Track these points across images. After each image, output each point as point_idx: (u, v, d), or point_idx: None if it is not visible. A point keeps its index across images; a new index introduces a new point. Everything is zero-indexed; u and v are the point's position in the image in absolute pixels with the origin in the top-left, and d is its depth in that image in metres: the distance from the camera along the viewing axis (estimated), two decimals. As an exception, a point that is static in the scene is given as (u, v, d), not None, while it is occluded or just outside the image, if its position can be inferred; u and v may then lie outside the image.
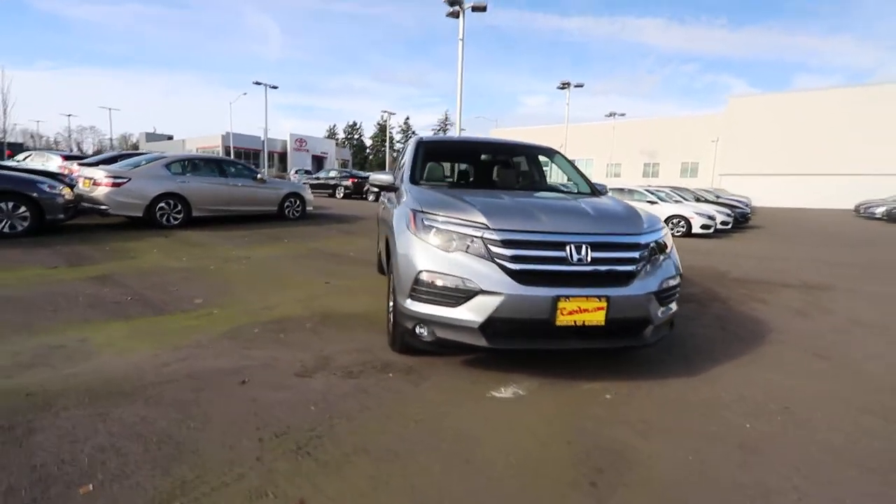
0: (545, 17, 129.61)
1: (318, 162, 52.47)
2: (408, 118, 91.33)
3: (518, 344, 2.60)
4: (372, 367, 2.94)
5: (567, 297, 2.48)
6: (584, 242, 2.60)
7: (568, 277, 2.56)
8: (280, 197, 10.48)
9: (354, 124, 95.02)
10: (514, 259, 2.54)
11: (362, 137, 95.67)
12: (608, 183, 29.66)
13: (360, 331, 3.63)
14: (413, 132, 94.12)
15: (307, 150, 51.74)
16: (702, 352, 3.49)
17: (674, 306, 2.95)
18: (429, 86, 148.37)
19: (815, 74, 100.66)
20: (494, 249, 2.57)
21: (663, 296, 2.77)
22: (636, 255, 2.72)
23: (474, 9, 15.36)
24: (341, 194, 21.86)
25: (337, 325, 3.77)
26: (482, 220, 2.65)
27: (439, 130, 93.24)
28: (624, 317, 2.61)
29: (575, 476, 1.94)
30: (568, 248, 2.57)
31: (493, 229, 2.60)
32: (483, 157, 4.72)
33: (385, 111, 44.94)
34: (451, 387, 2.72)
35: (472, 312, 2.54)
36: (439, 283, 2.59)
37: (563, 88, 26.10)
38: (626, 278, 2.65)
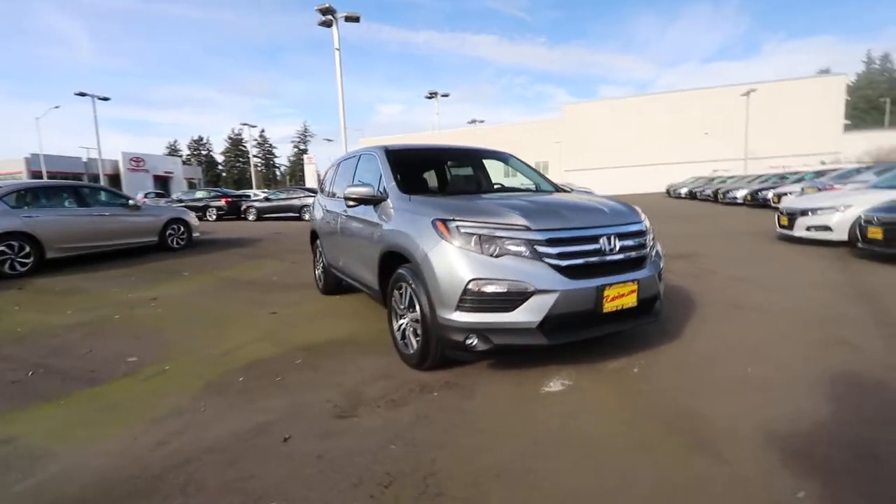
0: (394, 30, 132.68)
1: (163, 182, 45.71)
2: (263, 131, 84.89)
3: (571, 336, 2.63)
4: (410, 391, 2.71)
5: (610, 284, 2.61)
6: (612, 234, 2.76)
7: (605, 267, 2.70)
8: (161, 224, 8.91)
9: (200, 139, 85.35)
10: (561, 256, 2.59)
11: (211, 153, 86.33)
12: None
13: (360, 357, 3.30)
14: (271, 145, 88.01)
15: (146, 170, 44.64)
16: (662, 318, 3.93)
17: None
18: (280, 96, 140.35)
19: (612, 85, 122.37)
20: (540, 249, 2.58)
21: (661, 273, 3.08)
22: (644, 240, 2.98)
23: (347, 18, 14.98)
24: (213, 216, 19.51)
25: (328, 355, 3.38)
26: (523, 222, 2.63)
27: (299, 143, 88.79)
28: (646, 296, 2.84)
29: (685, 440, 2.06)
30: (601, 240, 2.71)
31: (536, 230, 2.61)
32: (449, 163, 4.65)
33: (245, 123, 41.20)
34: (501, 392, 2.66)
35: (529, 313, 2.51)
36: (490, 289, 2.50)
37: (430, 98, 27.08)
38: (643, 261, 2.90)
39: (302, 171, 50.61)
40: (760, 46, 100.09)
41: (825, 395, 2.46)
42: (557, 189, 4.24)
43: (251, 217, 18.78)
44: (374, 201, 3.52)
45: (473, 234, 2.62)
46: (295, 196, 18.64)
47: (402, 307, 3.11)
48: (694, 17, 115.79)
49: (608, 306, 2.62)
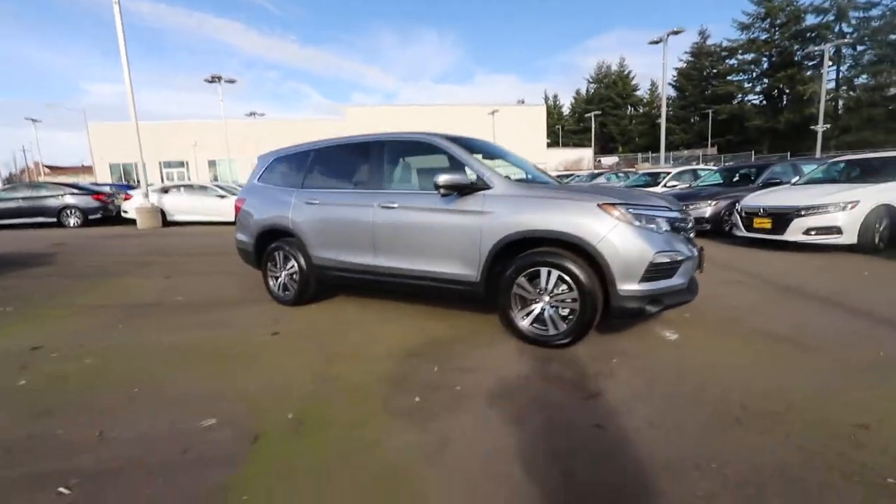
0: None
1: None
2: None
3: (694, 293, 3.25)
4: (603, 358, 2.83)
5: (701, 249, 3.36)
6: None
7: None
8: None
9: None
10: (685, 230, 3.18)
11: None
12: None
13: (479, 359, 3.13)
14: None
15: None
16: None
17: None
18: None
19: (363, 91, 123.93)
20: (678, 225, 3.11)
21: None
22: None
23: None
24: (78, 221, 12.98)
25: (459, 354, 3.06)
26: (665, 204, 3.09)
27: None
28: None
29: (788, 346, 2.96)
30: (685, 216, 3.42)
31: (674, 210, 3.11)
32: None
33: None
34: (650, 344, 3.07)
35: (681, 276, 3.02)
36: (665, 260, 2.89)
37: (212, 82, 22.73)
38: None
39: None
40: (473, 76, 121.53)
41: None
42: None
43: (133, 216, 13.16)
44: (472, 190, 3.32)
45: (643, 214, 2.94)
46: (51, 194, 13.11)
47: (535, 292, 3.12)
48: (426, 43, 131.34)
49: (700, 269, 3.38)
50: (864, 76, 41.43)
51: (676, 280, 3.01)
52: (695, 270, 3.23)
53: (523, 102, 60.02)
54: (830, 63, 30.11)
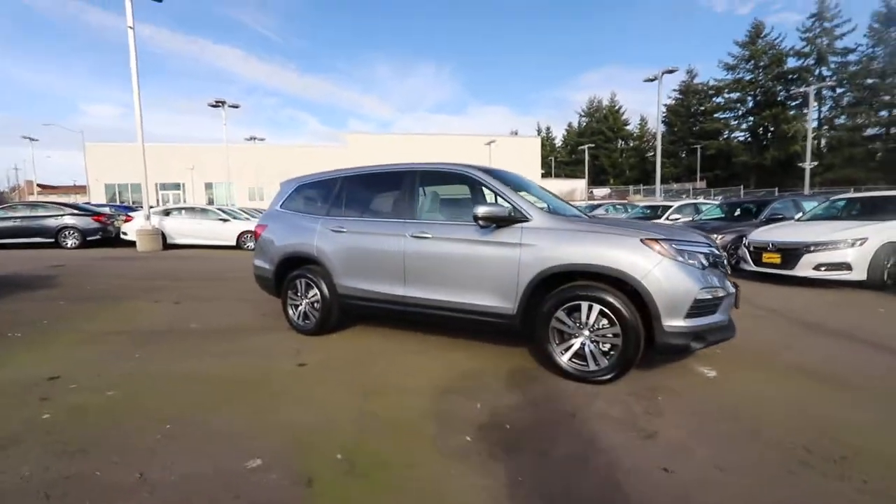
0: (104, 13, 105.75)
1: None
2: None
3: (734, 330, 3.22)
4: (651, 393, 2.76)
5: (736, 286, 3.35)
6: None
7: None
8: None
9: None
10: (722, 265, 3.18)
11: None
12: (253, 205, 28.36)
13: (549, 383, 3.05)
14: None
15: None
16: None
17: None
18: None
19: (360, 119, 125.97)
20: (717, 261, 3.11)
21: None
22: None
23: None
24: (76, 242, 12.70)
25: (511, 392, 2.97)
26: (704, 240, 3.10)
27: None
28: None
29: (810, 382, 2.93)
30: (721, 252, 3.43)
31: (712, 246, 3.12)
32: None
33: None
34: (692, 383, 3.02)
35: (722, 313, 3.00)
36: (708, 296, 2.87)
37: (216, 107, 22.99)
38: None
39: None
40: (466, 106, 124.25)
41: None
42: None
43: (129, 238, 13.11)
44: (510, 222, 3.32)
45: (685, 250, 2.94)
46: (50, 214, 12.90)
47: (574, 326, 3.08)
48: (422, 74, 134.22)
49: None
50: (844, 117, 43.17)
51: (718, 317, 2.99)
52: (731, 307, 3.22)
53: (517, 133, 61.42)
54: (815, 104, 31.48)
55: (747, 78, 49.76)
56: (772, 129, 48.09)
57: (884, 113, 40.95)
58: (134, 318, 4.98)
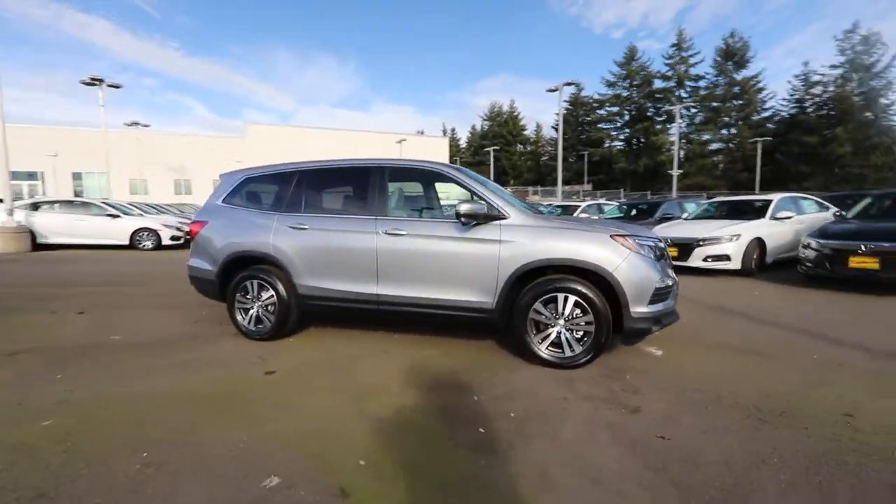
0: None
1: None
2: None
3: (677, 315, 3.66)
4: (620, 372, 3.05)
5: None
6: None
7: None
8: None
9: None
10: (667, 258, 3.61)
11: None
12: (135, 199, 25.04)
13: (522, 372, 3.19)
14: None
15: None
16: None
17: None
18: None
19: (257, 110, 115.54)
20: (663, 254, 3.52)
21: None
22: None
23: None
24: None
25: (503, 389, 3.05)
26: (655, 236, 3.50)
27: None
28: None
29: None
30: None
31: (659, 241, 3.52)
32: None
33: None
34: (645, 359, 3.41)
35: (672, 299, 3.43)
36: (663, 285, 3.25)
37: (91, 85, 19.34)
38: None
39: None
40: (371, 103, 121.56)
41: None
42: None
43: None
44: (490, 219, 3.40)
45: (645, 245, 3.28)
46: None
47: (551, 317, 3.28)
48: (325, 67, 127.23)
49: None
50: (697, 133, 50.98)
51: (670, 302, 3.41)
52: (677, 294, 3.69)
53: (423, 133, 62.02)
54: (681, 120, 36.81)
55: (624, 94, 56.18)
56: (643, 140, 54.91)
57: (724, 131, 49.31)
58: (36, 334, 4.13)
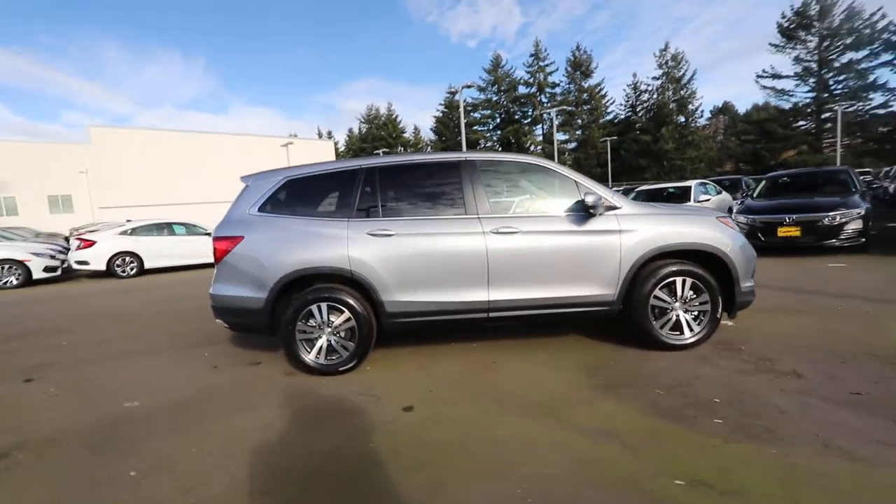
0: None
1: None
2: None
3: None
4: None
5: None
6: None
7: None
8: None
9: None
10: None
11: None
12: None
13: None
14: None
15: None
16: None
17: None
18: None
19: (81, 112, 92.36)
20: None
21: None
22: None
23: None
24: None
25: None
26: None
27: None
28: None
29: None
30: None
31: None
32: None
33: None
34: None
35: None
36: (755, 262, 3.53)
37: None
38: None
39: None
40: (229, 106, 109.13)
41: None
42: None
43: None
44: (610, 209, 3.28)
45: (738, 225, 3.51)
46: None
47: (670, 301, 3.32)
48: (167, 64, 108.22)
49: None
50: (559, 133, 57.28)
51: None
52: None
53: (296, 136, 58.38)
54: (547, 123, 41.05)
55: (494, 99, 60.31)
56: (514, 141, 59.73)
57: (578, 132, 56.32)
58: (14, 418, 2.74)
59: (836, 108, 34.07)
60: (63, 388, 3.29)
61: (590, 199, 3.18)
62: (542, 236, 3.29)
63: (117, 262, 9.91)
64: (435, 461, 2.09)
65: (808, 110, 40.20)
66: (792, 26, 39.39)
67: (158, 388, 3.24)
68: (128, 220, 13.33)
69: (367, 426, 2.49)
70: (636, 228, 3.30)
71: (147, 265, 10.28)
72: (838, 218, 6.55)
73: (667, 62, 47.71)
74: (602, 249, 3.29)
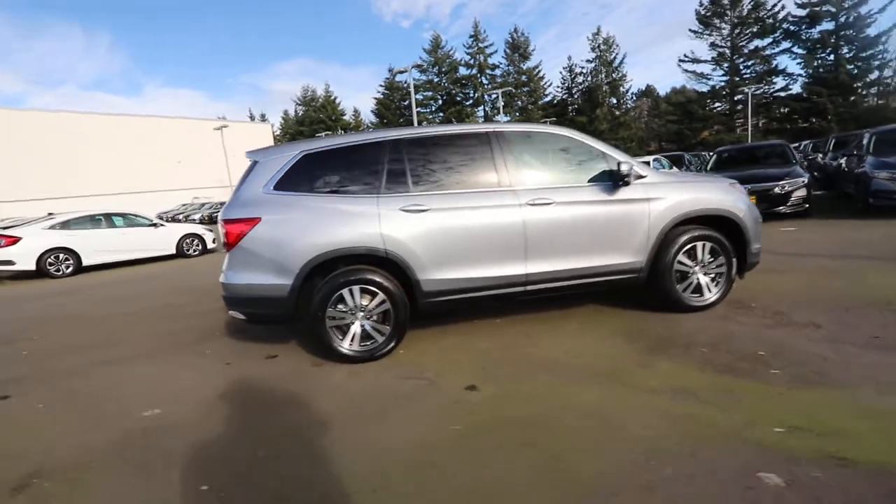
0: None
1: None
2: None
3: None
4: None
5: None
6: None
7: None
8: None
9: None
10: None
11: None
12: None
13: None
14: None
15: None
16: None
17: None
18: None
19: None
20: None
21: None
22: None
23: None
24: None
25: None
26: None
27: None
28: None
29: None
30: None
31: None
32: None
33: None
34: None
35: None
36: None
37: None
38: None
39: None
40: (142, 87, 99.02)
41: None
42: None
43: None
44: (639, 178, 3.32)
45: (746, 189, 3.71)
46: None
47: (691, 265, 3.46)
48: (63, 38, 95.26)
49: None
50: (501, 115, 58.00)
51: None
52: None
53: (224, 118, 54.28)
54: (492, 104, 41.38)
55: (435, 80, 59.51)
56: (457, 122, 59.66)
57: (518, 114, 57.33)
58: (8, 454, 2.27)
59: (747, 90, 37.59)
60: (52, 403, 2.81)
61: (624, 168, 3.20)
62: (576, 206, 3.28)
63: (49, 259, 8.64)
64: (538, 437, 2.03)
65: (724, 93, 43.82)
66: (708, 14, 42.39)
67: (174, 392, 2.86)
68: (49, 214, 11.67)
69: (438, 410, 2.37)
70: (662, 196, 3.39)
71: (85, 262, 9.06)
72: (787, 186, 7.21)
73: (599, 45, 49.59)
74: (632, 218, 3.34)
